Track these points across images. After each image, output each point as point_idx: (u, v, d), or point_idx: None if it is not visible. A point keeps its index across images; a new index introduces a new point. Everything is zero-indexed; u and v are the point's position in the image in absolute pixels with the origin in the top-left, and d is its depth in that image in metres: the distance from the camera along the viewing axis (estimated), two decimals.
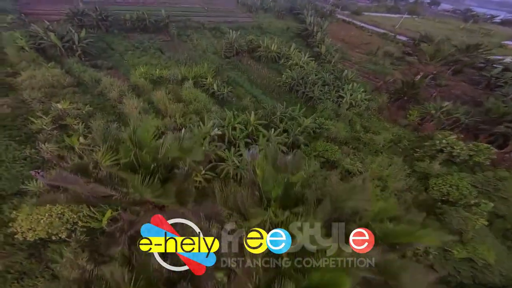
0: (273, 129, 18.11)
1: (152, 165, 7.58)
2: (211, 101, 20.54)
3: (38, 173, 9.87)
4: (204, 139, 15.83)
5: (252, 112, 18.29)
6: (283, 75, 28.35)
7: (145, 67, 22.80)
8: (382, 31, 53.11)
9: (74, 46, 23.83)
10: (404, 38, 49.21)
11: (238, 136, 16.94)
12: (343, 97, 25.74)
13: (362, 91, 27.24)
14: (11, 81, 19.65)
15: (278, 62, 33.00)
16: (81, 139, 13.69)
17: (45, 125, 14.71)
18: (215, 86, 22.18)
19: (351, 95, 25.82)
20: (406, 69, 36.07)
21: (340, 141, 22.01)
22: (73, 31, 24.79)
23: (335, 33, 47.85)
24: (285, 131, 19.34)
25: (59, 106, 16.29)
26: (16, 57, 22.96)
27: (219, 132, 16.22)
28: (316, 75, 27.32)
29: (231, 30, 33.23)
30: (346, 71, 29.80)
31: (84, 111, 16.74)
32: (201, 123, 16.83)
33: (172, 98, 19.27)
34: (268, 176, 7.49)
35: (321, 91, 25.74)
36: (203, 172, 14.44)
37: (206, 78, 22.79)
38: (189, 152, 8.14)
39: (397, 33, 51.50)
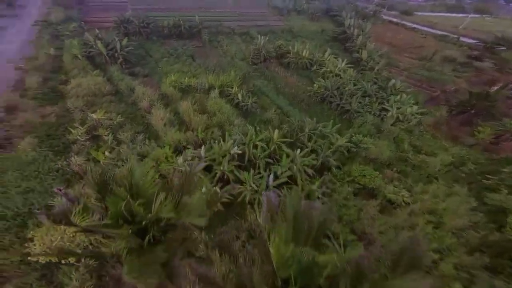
0: (299, 149, 16.38)
1: (144, 222, 6.75)
2: (235, 113, 19.67)
3: (60, 190, 10.22)
4: (223, 157, 15.08)
5: (276, 130, 16.80)
6: (315, 84, 25.96)
7: (175, 75, 23.08)
8: (440, 32, 45.24)
9: (116, 54, 25.43)
10: (470, 41, 41.04)
11: (259, 156, 15.73)
12: (388, 110, 22.32)
13: (413, 103, 23.27)
14: (62, 88, 21.71)
15: (310, 69, 30.52)
16: (107, 153, 14.19)
17: (79, 136, 15.69)
18: (239, 96, 21.25)
19: (398, 108, 22.21)
20: (473, 76, 29.85)
21: (381, 163, 19.10)
22: (117, 39, 26.45)
23: (380, 36, 42.79)
24: (313, 151, 17.41)
25: (94, 116, 17.29)
26: (70, 64, 25.44)
27: (239, 151, 15.25)
28: (354, 85, 24.29)
29: (259, 35, 31.75)
30: (393, 80, 25.83)
31: (115, 122, 17.49)
32: (221, 140, 16.10)
33: (197, 108, 19.00)
34: (286, 254, 5.89)
35: (360, 103, 22.72)
36: (220, 195, 13.71)
37: (232, 87, 22.00)
38: (188, 213, 7.07)
39: (461, 35, 43.32)
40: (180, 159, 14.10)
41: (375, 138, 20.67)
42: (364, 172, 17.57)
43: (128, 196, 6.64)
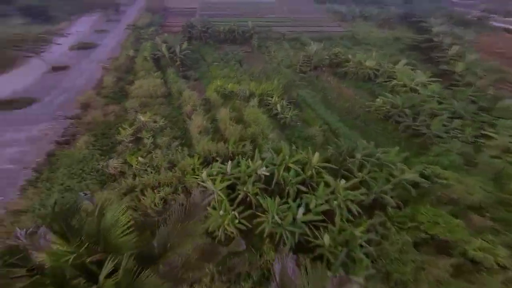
0: (343, 179, 13.13)
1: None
2: (272, 125, 17.60)
3: (86, 194, 10.77)
4: (249, 176, 13.43)
5: (317, 153, 13.94)
6: (378, 99, 21.27)
7: (221, 81, 22.65)
8: None
9: (175, 56, 27.01)
10: None
11: (290, 180, 13.33)
12: (489, 137, 16.00)
13: None
14: (128, 89, 24.31)
15: (373, 81, 25.58)
16: (140, 158, 14.62)
17: (125, 137, 16.85)
18: (279, 107, 18.96)
19: (510, 135, 15.61)
20: None
21: (467, 207, 13.95)
22: (179, 42, 28.13)
23: (487, 45, 34.73)
24: (363, 182, 13.78)
25: (142, 118, 18.40)
26: (140, 66, 28.52)
27: (266, 173, 13.26)
28: (440, 103, 18.48)
29: (312, 41, 28.59)
30: (506, 100, 18.59)
31: (158, 125, 18.18)
32: (253, 155, 14.45)
33: (234, 117, 17.90)
34: None
35: (445, 126, 16.97)
36: (237, 220, 12.20)
37: (272, 97, 19.89)
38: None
39: None
40: (204, 174, 13.22)
41: (462, 173, 15.20)
42: (437, 218, 13.13)
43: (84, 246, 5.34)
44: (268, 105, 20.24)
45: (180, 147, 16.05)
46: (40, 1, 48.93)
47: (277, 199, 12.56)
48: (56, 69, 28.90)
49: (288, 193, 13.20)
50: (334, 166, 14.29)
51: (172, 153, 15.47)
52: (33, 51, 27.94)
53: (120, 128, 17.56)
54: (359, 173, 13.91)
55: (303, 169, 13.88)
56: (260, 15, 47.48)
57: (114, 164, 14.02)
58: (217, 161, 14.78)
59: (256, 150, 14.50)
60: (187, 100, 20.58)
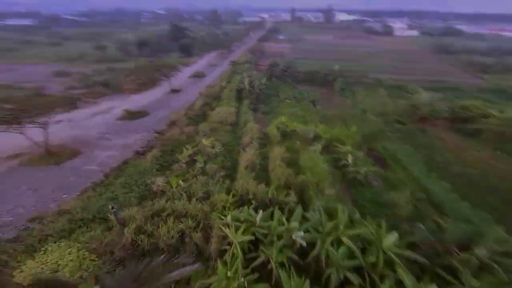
0: (434, 285, 7.96)
1: None
2: (333, 178, 13.87)
3: (113, 208, 11.21)
4: (278, 238, 10.48)
5: (394, 232, 9.45)
6: None
7: (286, 117, 21.14)
8: None
9: (253, 90, 28.24)
10: None
11: (338, 262, 9.34)
12: None
13: None
14: (208, 113, 26.95)
15: None
16: (181, 182, 14.60)
17: (183, 157, 17.74)
18: (350, 158, 14.90)
19: None
20: None
21: None
22: (259, 78, 29.64)
23: None
24: None
25: (204, 141, 19.18)
26: (226, 95, 31.66)
27: (303, 242, 9.92)
28: None
29: (421, 89, 23.10)
30: None
31: (214, 151, 18.32)
32: (289, 213, 11.52)
33: (287, 158, 15.54)
34: None
35: None
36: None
37: (344, 144, 16.11)
38: None
39: None
40: (229, 216, 11.44)
41: None
42: None
43: None
44: (335, 154, 16.74)
45: (222, 179, 15.16)
46: (192, 41, 67.35)
47: (307, 283, 8.92)
48: (173, 91, 36.37)
49: (328, 279, 9.26)
50: (421, 259, 9.16)
51: (213, 183, 14.70)
52: (166, 76, 36.54)
53: (184, 148, 18.82)
54: (474, 281, 8.17)
55: (363, 251, 9.63)
56: (357, 61, 45.00)
57: (159, 182, 14.56)
58: (251, 204, 12.74)
59: (299, 205, 11.48)
60: (248, 131, 20.17)
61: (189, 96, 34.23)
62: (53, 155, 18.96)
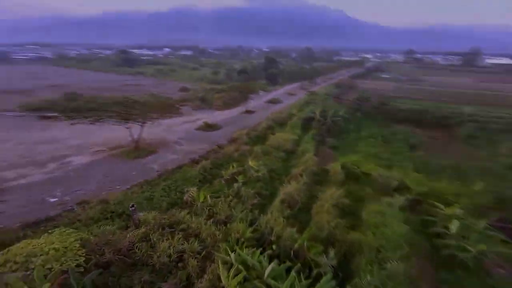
0: None
1: None
2: (409, 249, 9.12)
3: (133, 206, 11.21)
4: None
5: None
6: None
7: (359, 156, 17.10)
8: None
9: (324, 120, 25.45)
10: None
11: None
12: None
13: None
14: (268, 136, 26.16)
15: None
16: (208, 197, 13.65)
17: (226, 174, 17.09)
18: (454, 226, 9.57)
19: None
20: None
21: None
22: (336, 109, 26.64)
23: None
24: None
25: (250, 162, 18.06)
26: (292, 121, 30.30)
27: None
28: None
29: None
30: None
31: (256, 174, 16.76)
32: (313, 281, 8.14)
33: (342, 204, 11.87)
34: None
35: None
36: None
37: (451, 206, 10.77)
38: None
39: None
40: (233, 255, 9.30)
41: None
42: None
43: None
44: (428, 213, 11.58)
45: (252, 207, 13.21)
46: (279, 71, 73.22)
47: None
48: (247, 112, 38.60)
49: None
50: None
51: (241, 208, 12.98)
52: (246, 98, 39.71)
53: (231, 165, 18.31)
54: None
55: None
56: (504, 106, 34.44)
57: (191, 192, 14.16)
58: (270, 248, 10.10)
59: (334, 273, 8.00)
60: (302, 163, 17.58)
61: (257, 117, 35.02)
62: (139, 151, 22.07)
